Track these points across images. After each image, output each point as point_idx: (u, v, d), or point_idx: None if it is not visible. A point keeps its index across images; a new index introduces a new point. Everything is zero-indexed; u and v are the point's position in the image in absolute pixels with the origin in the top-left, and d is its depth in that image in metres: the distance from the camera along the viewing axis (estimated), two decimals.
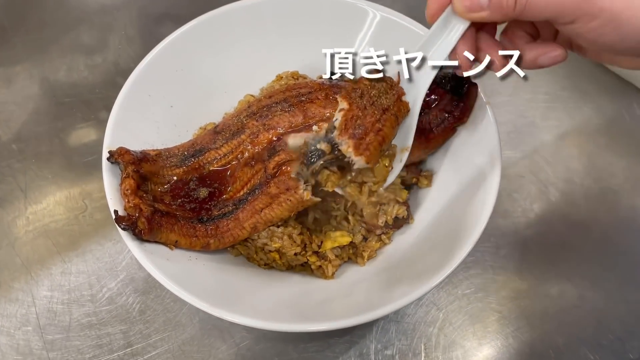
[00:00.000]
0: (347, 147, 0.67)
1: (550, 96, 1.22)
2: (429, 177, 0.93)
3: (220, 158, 0.88)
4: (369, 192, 0.84)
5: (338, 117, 0.68)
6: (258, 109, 0.91)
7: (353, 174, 0.72)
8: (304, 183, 0.84)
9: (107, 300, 0.94)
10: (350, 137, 0.68)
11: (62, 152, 1.00)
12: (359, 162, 0.68)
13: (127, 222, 0.77)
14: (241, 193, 0.86)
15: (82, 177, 0.99)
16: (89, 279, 0.88)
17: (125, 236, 0.77)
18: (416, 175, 0.94)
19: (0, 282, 0.88)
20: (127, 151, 0.84)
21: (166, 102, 0.96)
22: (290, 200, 0.83)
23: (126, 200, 0.80)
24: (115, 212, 0.78)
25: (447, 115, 0.94)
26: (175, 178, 0.87)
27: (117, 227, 0.76)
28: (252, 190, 0.85)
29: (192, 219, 0.85)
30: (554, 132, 1.15)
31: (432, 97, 0.96)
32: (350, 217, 0.91)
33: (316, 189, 0.89)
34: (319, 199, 0.85)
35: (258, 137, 0.87)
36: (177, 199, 0.86)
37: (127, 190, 0.81)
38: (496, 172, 0.83)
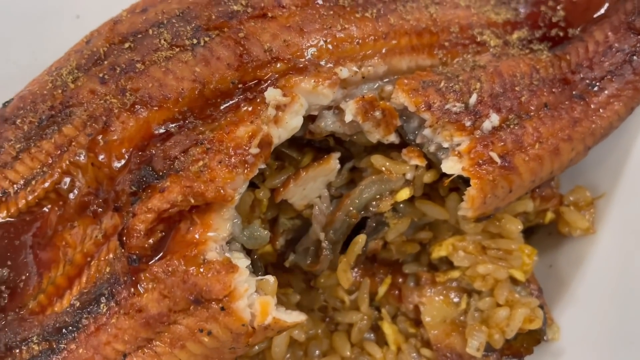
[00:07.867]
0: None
1: None
2: (586, 208, 0.40)
3: (11, 195, 0.29)
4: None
5: None
6: (109, 45, 0.31)
7: None
8: (251, 270, 0.27)
9: None
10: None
11: None
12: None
13: None
14: (65, 301, 0.29)
15: None
16: None
17: None
18: (550, 204, 0.44)
19: None
20: None
21: None
22: (216, 330, 0.26)
23: None
24: None
25: (627, 51, 0.38)
26: None
27: None
28: (94, 298, 0.27)
29: None
30: None
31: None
32: (389, 331, 0.35)
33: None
34: (303, 318, 0.27)
35: (107, 130, 0.28)
36: None
37: None
38: None
